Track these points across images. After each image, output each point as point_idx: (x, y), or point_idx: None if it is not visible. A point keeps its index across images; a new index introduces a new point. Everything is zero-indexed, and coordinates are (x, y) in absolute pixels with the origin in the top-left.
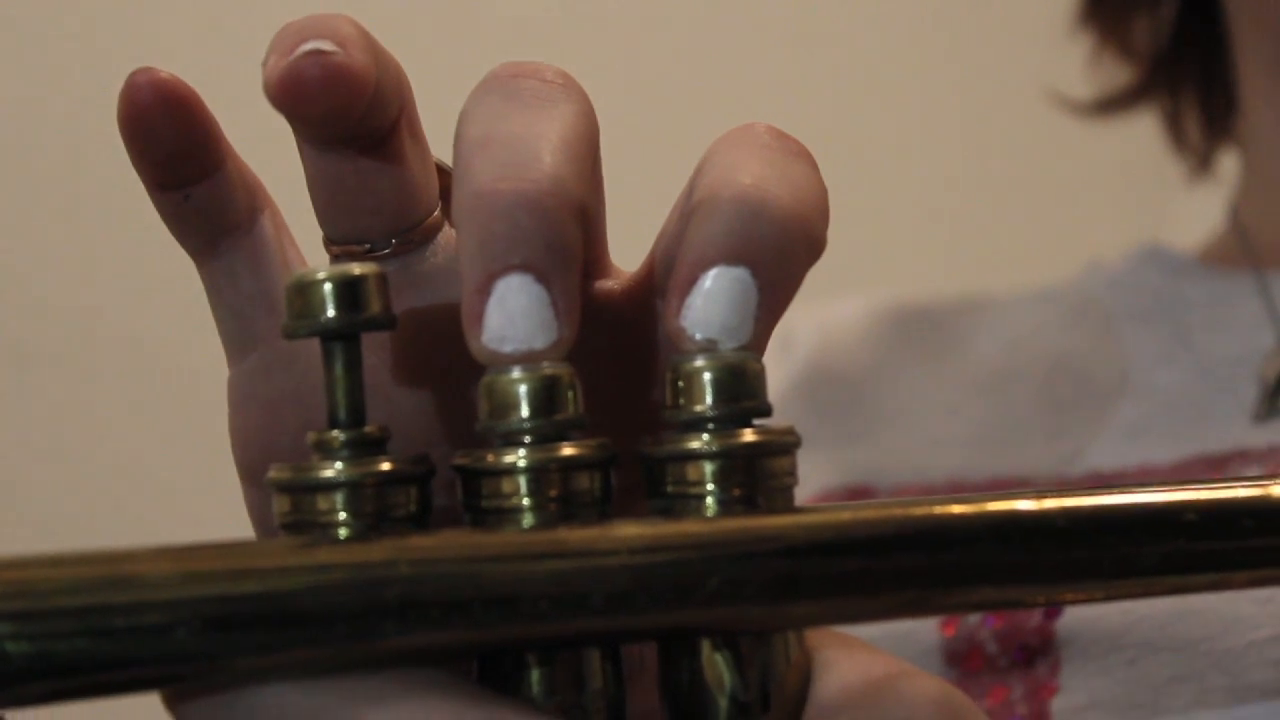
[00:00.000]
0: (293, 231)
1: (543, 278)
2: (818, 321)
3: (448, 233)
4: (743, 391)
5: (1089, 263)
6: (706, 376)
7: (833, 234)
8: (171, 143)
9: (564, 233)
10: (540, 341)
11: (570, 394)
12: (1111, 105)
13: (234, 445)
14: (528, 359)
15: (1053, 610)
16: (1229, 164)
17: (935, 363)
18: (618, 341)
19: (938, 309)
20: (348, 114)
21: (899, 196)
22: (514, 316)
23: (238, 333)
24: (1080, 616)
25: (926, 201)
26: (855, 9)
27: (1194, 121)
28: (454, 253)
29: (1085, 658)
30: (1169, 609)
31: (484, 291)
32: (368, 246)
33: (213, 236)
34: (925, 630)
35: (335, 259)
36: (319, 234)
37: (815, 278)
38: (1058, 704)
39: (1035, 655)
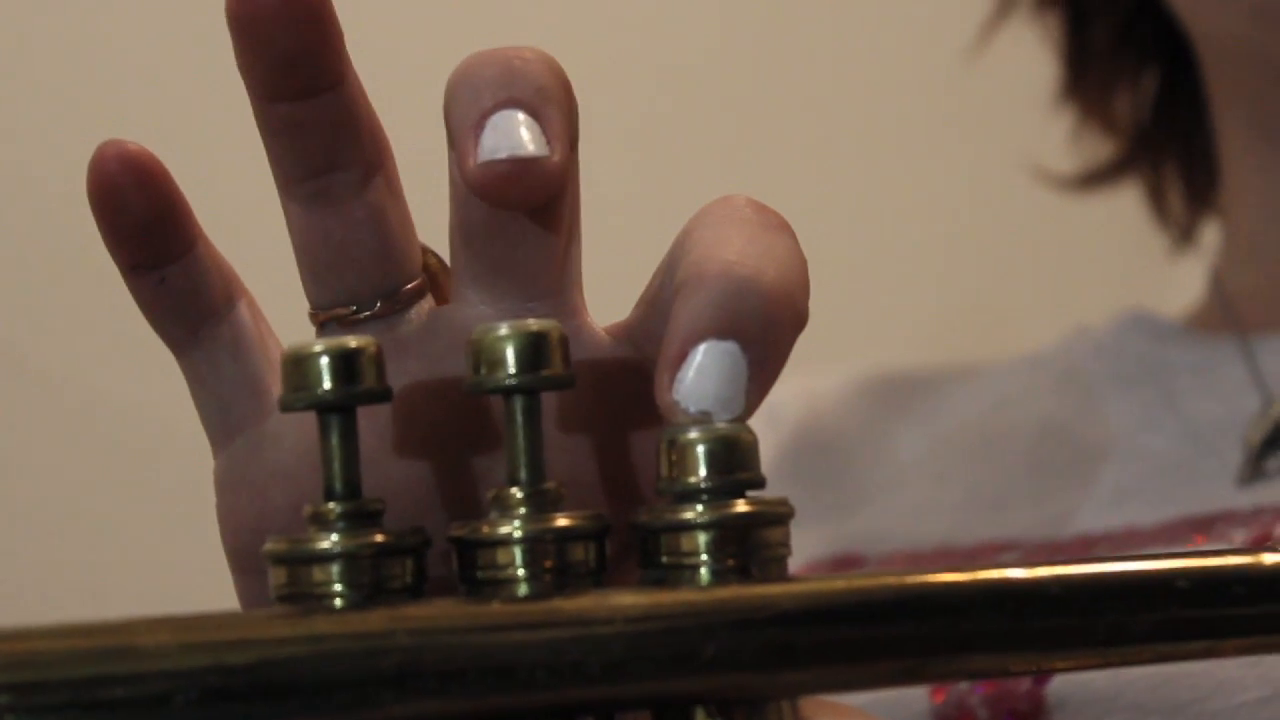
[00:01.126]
0: (275, 307)
1: (533, 111)
2: (803, 392)
3: (429, 300)
4: (736, 463)
5: (1074, 328)
6: (700, 449)
7: (819, 305)
8: (142, 215)
9: (550, 83)
10: (533, 149)
11: (559, 353)
12: (1095, 179)
13: (223, 532)
14: (521, 165)
15: (1043, 675)
16: (1210, 234)
17: (921, 427)
18: (604, 406)
19: (922, 375)
20: (309, 28)
21: (884, 269)
22: (507, 133)
23: (222, 420)
24: (1070, 681)
25: (911, 275)
26: (839, 87)
27: (1176, 193)
28: (437, 318)
29: None
30: (1159, 672)
31: (478, 126)
32: (354, 308)
33: (192, 324)
34: (915, 697)
35: (322, 327)
36: (302, 312)
37: (802, 348)
38: None
39: None
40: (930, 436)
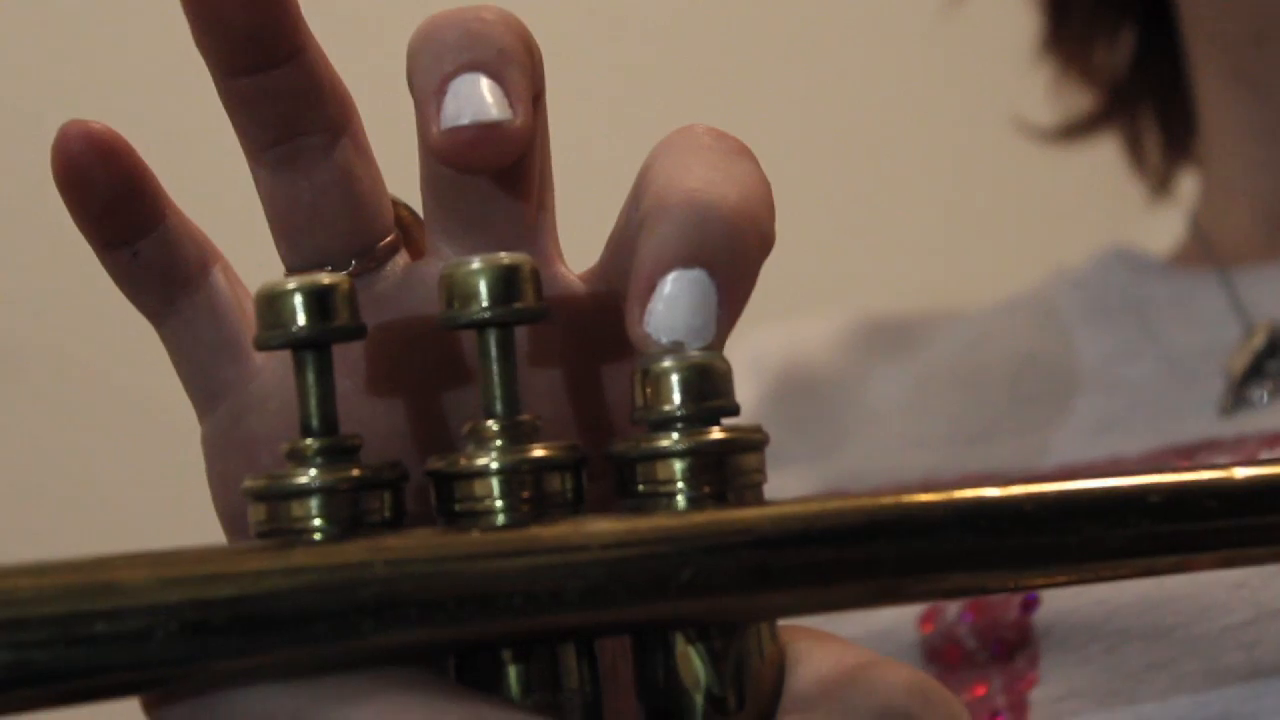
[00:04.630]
0: (251, 270)
1: (494, 74)
2: (786, 338)
3: (404, 255)
4: (710, 391)
5: (1054, 268)
6: (674, 377)
7: (803, 252)
8: (108, 192)
9: (512, 43)
10: (496, 114)
11: (531, 285)
12: (1074, 131)
13: (214, 496)
14: (484, 131)
15: (1030, 603)
16: (1186, 185)
17: (903, 365)
18: (577, 344)
19: (905, 319)
20: (264, 5)
21: (867, 220)
22: (469, 99)
23: (205, 385)
24: (1057, 609)
25: (894, 227)
26: (822, 41)
27: (1154, 144)
28: (412, 272)
29: (1063, 649)
30: (1144, 598)
31: (440, 92)
32: (329, 268)
33: (168, 294)
34: (903, 628)
35: None
36: (278, 274)
37: (786, 295)
38: (1036, 695)
39: (1014, 649)
40: (912, 375)
